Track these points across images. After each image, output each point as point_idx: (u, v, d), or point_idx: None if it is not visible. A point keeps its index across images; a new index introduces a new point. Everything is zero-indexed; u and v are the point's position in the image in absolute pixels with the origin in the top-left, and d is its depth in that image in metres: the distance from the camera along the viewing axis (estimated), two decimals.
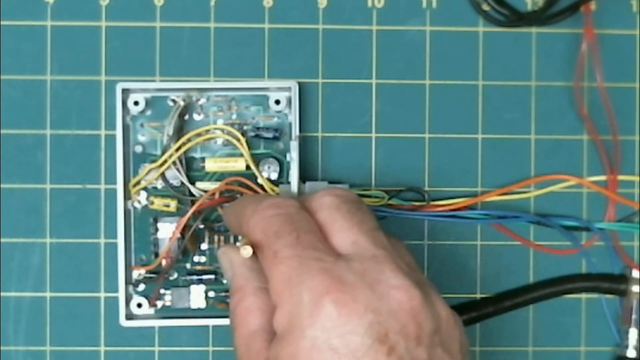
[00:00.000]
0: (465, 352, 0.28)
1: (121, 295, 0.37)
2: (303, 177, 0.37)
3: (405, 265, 0.28)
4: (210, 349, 0.38)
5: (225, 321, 0.37)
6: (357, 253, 0.28)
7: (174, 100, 0.37)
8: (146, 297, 0.37)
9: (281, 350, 0.26)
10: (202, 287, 0.38)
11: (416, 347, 0.26)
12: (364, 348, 0.25)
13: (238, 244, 0.32)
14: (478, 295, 0.39)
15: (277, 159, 0.38)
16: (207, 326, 0.38)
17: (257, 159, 0.37)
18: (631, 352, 0.38)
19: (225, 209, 0.35)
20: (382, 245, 0.28)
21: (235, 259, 0.31)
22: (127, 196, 0.37)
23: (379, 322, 0.26)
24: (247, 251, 0.28)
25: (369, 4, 0.39)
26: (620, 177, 0.39)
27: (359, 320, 0.25)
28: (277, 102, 0.37)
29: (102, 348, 0.38)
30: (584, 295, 0.39)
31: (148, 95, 0.37)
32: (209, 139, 0.38)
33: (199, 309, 0.38)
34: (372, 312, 0.26)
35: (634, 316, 0.38)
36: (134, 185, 0.37)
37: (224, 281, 0.38)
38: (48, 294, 0.38)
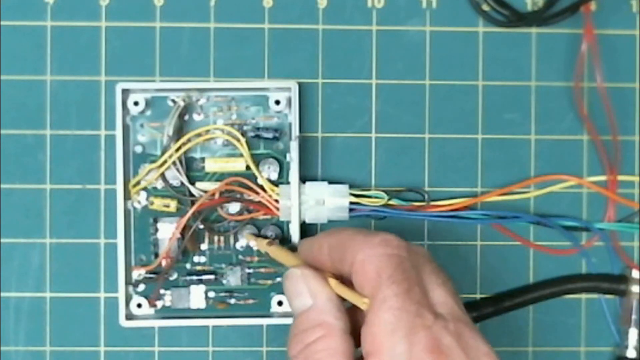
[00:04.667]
0: None
1: (121, 295, 0.37)
2: (303, 177, 0.37)
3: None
4: (210, 349, 0.38)
5: (224, 321, 0.37)
6: (449, 314, 0.28)
7: (174, 101, 0.37)
8: (146, 297, 0.37)
9: None
10: (202, 288, 0.38)
11: None
12: None
13: (331, 281, 0.30)
14: (478, 295, 0.39)
15: (277, 159, 0.38)
16: (207, 326, 0.38)
17: (257, 159, 0.37)
18: (631, 352, 0.38)
19: (311, 239, 0.33)
20: (464, 309, 0.29)
21: (320, 290, 0.30)
22: (127, 196, 0.37)
23: None
24: (365, 304, 0.28)
25: (369, 4, 0.39)
26: (620, 177, 0.39)
27: None
28: (277, 102, 0.37)
29: (102, 348, 0.38)
30: (584, 295, 0.39)
31: (148, 95, 0.37)
32: (209, 139, 0.37)
33: (198, 309, 0.38)
34: None
35: (633, 316, 0.38)
36: (134, 186, 0.37)
37: (224, 281, 0.38)
38: (48, 294, 0.38)
